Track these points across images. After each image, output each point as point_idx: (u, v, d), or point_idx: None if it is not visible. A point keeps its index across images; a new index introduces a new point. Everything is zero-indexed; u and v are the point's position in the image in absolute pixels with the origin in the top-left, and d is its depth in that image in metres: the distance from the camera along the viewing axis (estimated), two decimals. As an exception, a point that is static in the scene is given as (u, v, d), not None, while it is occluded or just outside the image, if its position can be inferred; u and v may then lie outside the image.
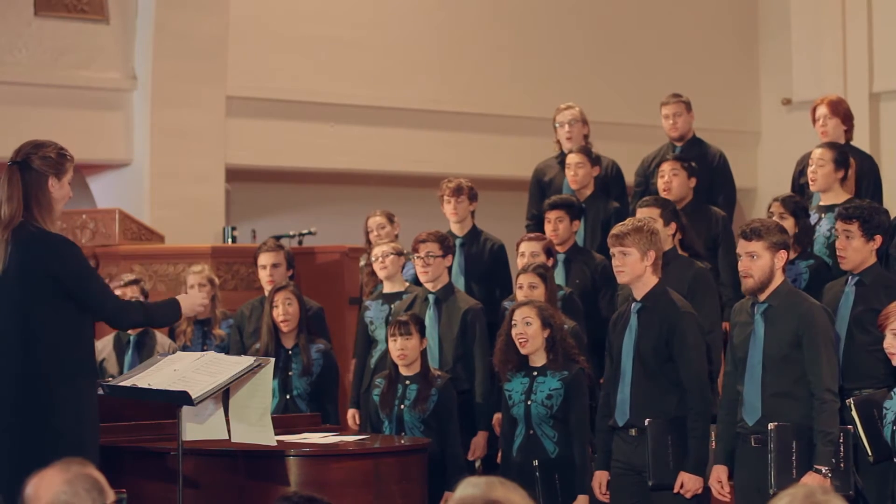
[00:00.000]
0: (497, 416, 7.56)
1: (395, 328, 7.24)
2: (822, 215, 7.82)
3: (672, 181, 8.41)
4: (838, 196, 7.86)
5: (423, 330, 7.30)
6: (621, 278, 6.48)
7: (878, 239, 6.74)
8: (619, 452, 6.48)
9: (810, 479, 5.89)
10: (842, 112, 8.49)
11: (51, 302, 5.60)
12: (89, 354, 5.80)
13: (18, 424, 5.54)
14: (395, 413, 7.21)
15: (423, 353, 7.30)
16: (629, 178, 9.41)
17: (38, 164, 5.66)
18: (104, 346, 8.34)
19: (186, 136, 11.24)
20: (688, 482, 6.30)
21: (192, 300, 6.21)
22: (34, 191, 5.64)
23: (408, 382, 7.24)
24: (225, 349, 8.23)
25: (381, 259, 8.23)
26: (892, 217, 7.24)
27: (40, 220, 5.64)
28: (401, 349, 7.21)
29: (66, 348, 5.61)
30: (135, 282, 8.53)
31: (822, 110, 8.48)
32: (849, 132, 8.50)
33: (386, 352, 8.06)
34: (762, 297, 6.17)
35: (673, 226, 7.60)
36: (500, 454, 7.27)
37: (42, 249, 5.60)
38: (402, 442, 6.97)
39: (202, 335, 8.67)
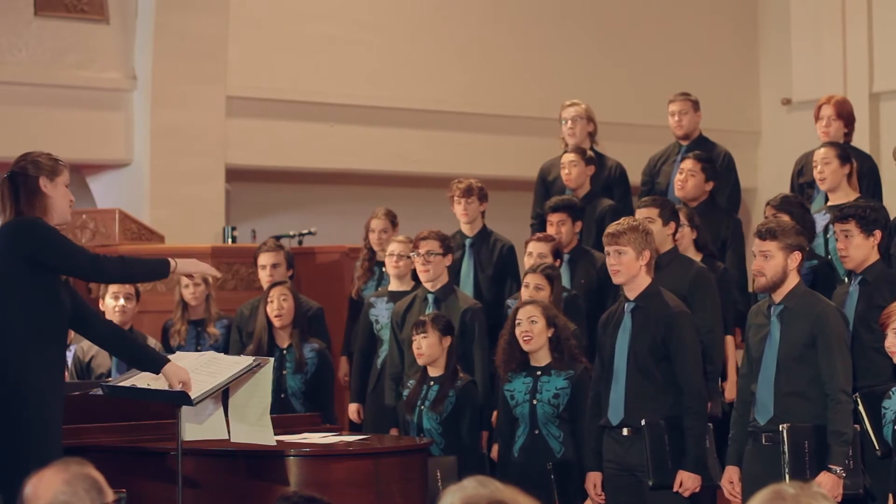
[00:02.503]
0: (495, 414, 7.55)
1: (413, 328, 7.24)
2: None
3: (688, 180, 8.41)
4: (847, 195, 7.86)
5: (445, 329, 7.25)
6: (617, 278, 6.48)
7: (878, 234, 6.75)
8: (610, 453, 6.48)
9: (825, 479, 5.91)
10: (846, 114, 8.49)
11: (22, 293, 5.53)
12: (57, 353, 5.69)
13: None
14: (416, 415, 7.19)
15: (450, 354, 7.25)
16: (632, 177, 9.41)
17: (29, 169, 5.63)
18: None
19: (186, 136, 11.23)
20: (687, 481, 6.31)
21: (195, 265, 6.00)
22: (26, 195, 5.61)
23: (432, 383, 7.22)
24: (219, 349, 8.21)
25: (395, 258, 8.22)
26: (892, 217, 7.23)
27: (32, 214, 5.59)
28: (417, 348, 7.19)
29: (34, 344, 5.54)
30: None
31: (828, 111, 8.47)
32: (849, 135, 8.51)
33: (391, 352, 8.08)
34: (777, 298, 6.19)
35: (672, 225, 7.59)
36: (493, 451, 7.28)
37: (11, 235, 5.57)
38: (408, 442, 6.96)
39: (196, 335, 8.66)
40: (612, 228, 6.47)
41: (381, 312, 8.26)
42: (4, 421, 5.51)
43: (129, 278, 6.23)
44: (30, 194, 5.62)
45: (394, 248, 8.26)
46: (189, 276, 6.11)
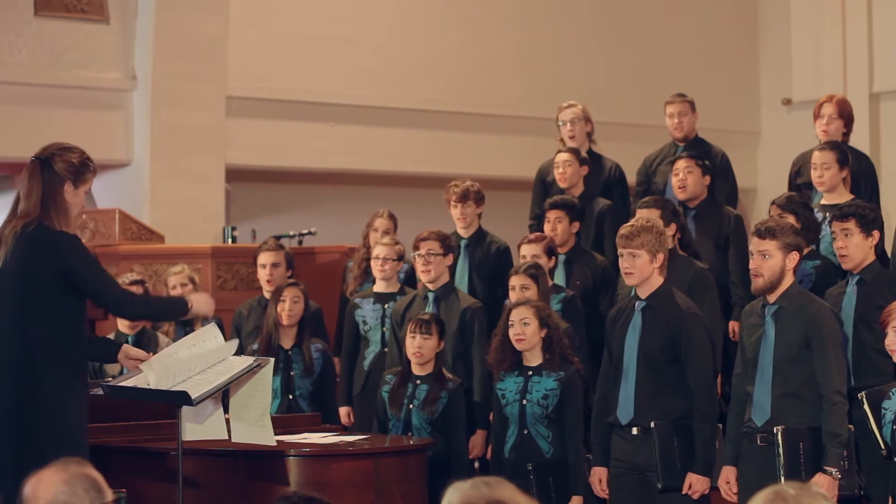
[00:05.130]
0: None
1: (415, 325, 7.19)
2: (826, 214, 7.80)
3: (687, 178, 8.40)
4: (842, 195, 7.86)
5: (443, 332, 7.26)
6: (630, 280, 6.45)
7: (876, 234, 6.76)
8: (618, 451, 6.46)
9: (820, 481, 5.90)
10: (846, 113, 8.49)
11: (48, 297, 5.61)
12: (81, 351, 5.78)
13: (9, 418, 5.55)
14: (403, 412, 7.18)
15: (439, 355, 7.25)
16: (630, 177, 9.41)
17: (59, 166, 5.68)
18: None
19: (186, 136, 11.23)
20: (696, 483, 6.30)
21: (206, 301, 6.19)
22: (51, 192, 5.67)
23: (419, 382, 7.21)
24: None
25: (381, 261, 8.22)
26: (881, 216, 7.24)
27: (55, 221, 5.66)
28: (418, 347, 7.16)
29: (60, 344, 5.61)
30: (139, 282, 8.48)
31: (829, 109, 8.46)
32: (847, 135, 8.50)
33: (381, 353, 8.09)
34: (772, 298, 6.18)
35: (673, 226, 7.60)
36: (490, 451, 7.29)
37: (48, 247, 5.62)
38: (408, 442, 6.96)
39: (184, 335, 8.63)
40: (625, 230, 6.43)
41: (368, 313, 8.26)
42: (21, 422, 5.54)
43: (151, 316, 6.82)
44: (53, 192, 5.68)
45: (379, 251, 8.27)
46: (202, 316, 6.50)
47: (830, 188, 7.90)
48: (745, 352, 6.28)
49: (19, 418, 5.57)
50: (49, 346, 5.60)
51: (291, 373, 7.88)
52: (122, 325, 8.35)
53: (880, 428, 6.18)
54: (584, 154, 9.01)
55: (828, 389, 6.03)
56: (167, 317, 6.83)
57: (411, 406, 7.16)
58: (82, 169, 5.73)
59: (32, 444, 5.49)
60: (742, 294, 8.15)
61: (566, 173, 8.88)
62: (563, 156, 8.92)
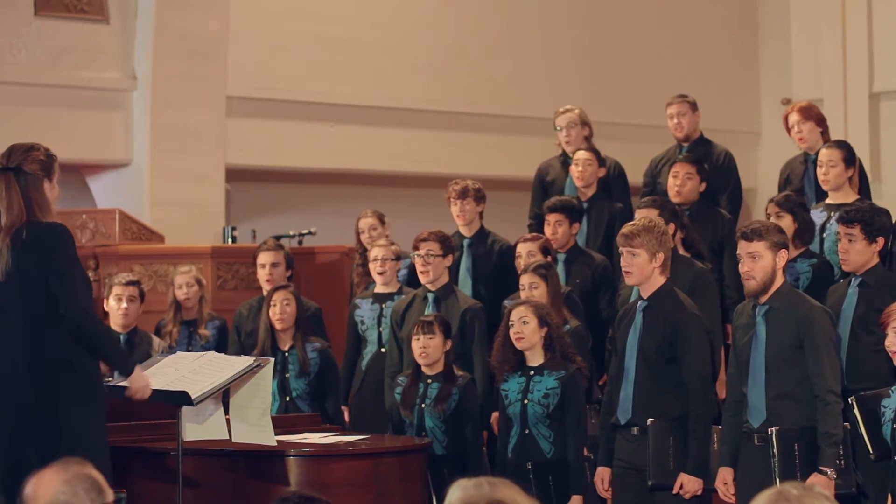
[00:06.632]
0: (495, 416, 7.54)
1: (418, 327, 7.19)
2: (832, 213, 7.78)
3: (686, 184, 8.39)
4: (847, 195, 7.84)
5: (447, 331, 7.24)
6: (629, 279, 6.46)
7: (881, 241, 6.74)
8: (621, 451, 6.46)
9: (816, 481, 5.89)
10: (813, 116, 8.47)
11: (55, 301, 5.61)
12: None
13: (29, 426, 5.57)
14: (416, 413, 7.17)
15: (448, 354, 7.23)
16: (632, 177, 9.40)
17: (32, 167, 5.69)
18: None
19: (186, 136, 11.24)
20: (687, 483, 6.28)
21: (143, 382, 5.89)
22: (33, 194, 5.67)
23: (429, 381, 7.20)
24: (209, 350, 8.18)
25: (380, 262, 8.23)
26: (892, 218, 7.21)
27: (43, 219, 5.66)
28: (422, 347, 7.15)
29: (73, 348, 5.62)
30: (134, 283, 8.45)
31: (794, 117, 8.48)
32: (825, 133, 8.49)
33: (378, 353, 8.09)
34: (763, 298, 6.16)
35: (672, 226, 7.59)
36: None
37: (43, 238, 5.61)
38: (407, 442, 6.96)
39: (188, 336, 8.63)
40: (626, 229, 6.42)
41: (366, 313, 8.27)
42: (42, 427, 5.56)
43: (91, 344, 5.76)
44: (36, 194, 5.68)
45: (377, 252, 8.28)
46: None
47: (835, 187, 7.88)
48: (738, 353, 6.27)
49: (39, 423, 5.57)
50: (63, 348, 5.60)
51: (287, 374, 7.88)
52: (115, 324, 8.31)
53: (872, 431, 6.18)
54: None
55: (822, 389, 6.01)
56: (101, 357, 5.86)
57: (423, 406, 7.14)
58: (50, 162, 5.76)
59: (53, 449, 5.48)
60: (736, 298, 8.14)
61: (585, 172, 8.86)
62: (584, 154, 8.89)
